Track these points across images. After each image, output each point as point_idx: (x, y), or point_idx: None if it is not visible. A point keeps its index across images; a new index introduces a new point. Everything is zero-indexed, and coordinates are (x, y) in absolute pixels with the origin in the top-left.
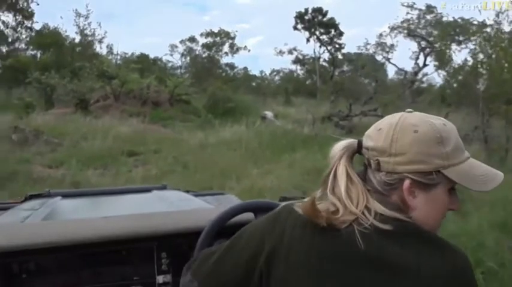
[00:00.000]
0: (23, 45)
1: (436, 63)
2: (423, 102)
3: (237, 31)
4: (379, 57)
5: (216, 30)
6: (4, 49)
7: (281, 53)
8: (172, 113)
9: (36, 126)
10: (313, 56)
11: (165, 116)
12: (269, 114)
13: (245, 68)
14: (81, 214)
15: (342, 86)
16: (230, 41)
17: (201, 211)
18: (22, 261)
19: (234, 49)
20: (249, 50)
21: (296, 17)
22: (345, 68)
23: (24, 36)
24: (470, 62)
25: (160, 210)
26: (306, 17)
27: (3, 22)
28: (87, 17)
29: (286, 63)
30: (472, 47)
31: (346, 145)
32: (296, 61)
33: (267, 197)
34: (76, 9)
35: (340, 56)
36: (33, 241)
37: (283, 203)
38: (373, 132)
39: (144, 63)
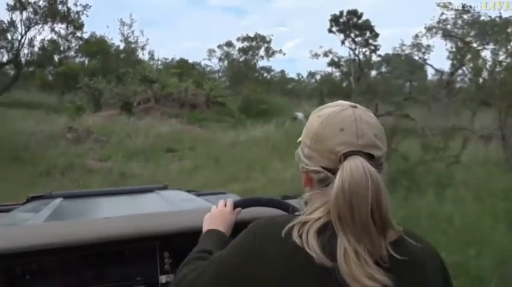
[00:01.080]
0: (72, 53)
1: (471, 64)
2: (457, 102)
3: (272, 35)
4: (417, 58)
5: (252, 35)
6: (56, 57)
7: (316, 55)
8: (208, 114)
9: (87, 127)
10: (348, 58)
11: (202, 117)
12: (300, 115)
13: (282, 71)
14: (83, 214)
15: (375, 87)
16: (266, 45)
17: (203, 211)
18: (25, 262)
19: (270, 53)
20: (284, 54)
21: (331, 20)
22: (383, 69)
23: (73, 44)
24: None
25: (162, 210)
26: (341, 20)
27: (55, 32)
28: (130, 26)
29: (323, 65)
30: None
31: (373, 170)
32: (331, 63)
33: (288, 187)
34: (121, 19)
35: (375, 58)
36: (36, 242)
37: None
38: (373, 140)
39: (183, 68)
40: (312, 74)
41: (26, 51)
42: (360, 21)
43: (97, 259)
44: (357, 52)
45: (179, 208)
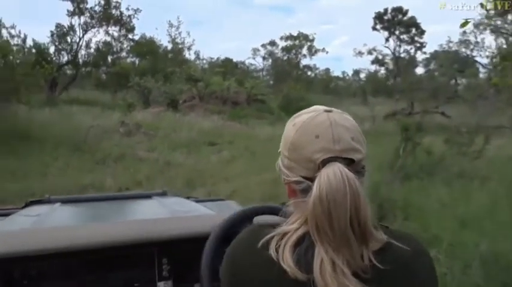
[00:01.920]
0: (124, 54)
1: None
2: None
3: (315, 34)
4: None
5: (295, 34)
6: (110, 58)
7: (360, 53)
8: (248, 111)
9: (137, 122)
10: (393, 55)
11: (242, 114)
12: None
13: (327, 69)
14: (81, 220)
15: (419, 85)
16: (309, 44)
17: (202, 217)
18: (23, 267)
19: (313, 51)
20: (327, 52)
21: (375, 18)
22: (432, 66)
23: (125, 46)
24: None
25: (161, 216)
26: (386, 17)
27: (109, 35)
28: (178, 27)
29: (367, 63)
30: None
31: (352, 176)
32: (375, 61)
33: None
34: (169, 21)
35: (421, 55)
36: (34, 247)
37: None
38: (351, 144)
39: (227, 67)
40: (356, 72)
41: (83, 52)
42: (405, 18)
43: (95, 264)
44: (401, 50)
45: (178, 214)
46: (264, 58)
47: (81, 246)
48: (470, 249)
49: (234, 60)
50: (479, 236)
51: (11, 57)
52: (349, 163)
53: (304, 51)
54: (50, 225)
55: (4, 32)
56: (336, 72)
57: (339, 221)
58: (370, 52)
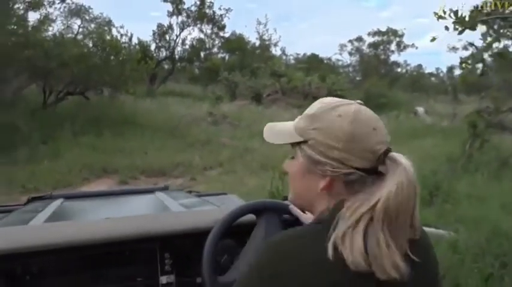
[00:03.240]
0: (216, 50)
1: None
2: None
3: (405, 29)
4: None
5: (384, 29)
6: (203, 54)
7: (454, 49)
8: None
9: (223, 113)
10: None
11: None
12: (420, 110)
13: (419, 66)
14: (83, 215)
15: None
16: (398, 39)
17: (204, 212)
18: (25, 263)
19: (401, 47)
20: (417, 48)
21: (472, 11)
22: None
23: (217, 42)
24: None
25: (163, 211)
26: (484, 11)
27: (203, 32)
28: (265, 25)
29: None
30: None
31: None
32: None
33: None
34: (257, 19)
35: None
36: (36, 243)
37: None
38: (386, 135)
39: (312, 63)
40: (450, 69)
41: (179, 49)
42: (507, 11)
43: (97, 259)
44: (501, 45)
45: (180, 209)
46: (350, 54)
47: (83, 242)
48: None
49: (321, 56)
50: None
51: (121, 54)
52: None
53: (393, 47)
54: (52, 221)
55: (114, 31)
56: (430, 68)
57: (407, 210)
58: (465, 47)
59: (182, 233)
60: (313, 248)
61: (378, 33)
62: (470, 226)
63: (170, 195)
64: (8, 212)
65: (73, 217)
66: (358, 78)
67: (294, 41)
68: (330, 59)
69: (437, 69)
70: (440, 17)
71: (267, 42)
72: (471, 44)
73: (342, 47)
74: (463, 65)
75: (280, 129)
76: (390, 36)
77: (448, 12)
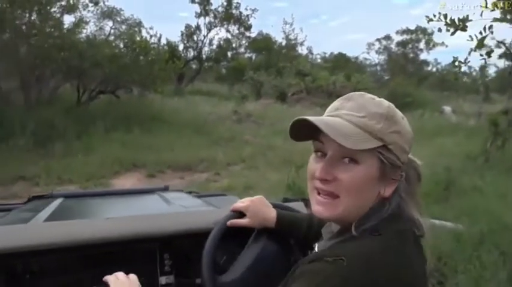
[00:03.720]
0: (242, 50)
1: None
2: None
3: (435, 27)
4: None
5: (412, 28)
6: (229, 54)
7: (487, 47)
8: None
9: (248, 111)
10: None
11: None
12: (447, 109)
13: (450, 64)
14: (83, 215)
15: None
16: (427, 37)
17: (203, 213)
18: (25, 262)
19: (430, 45)
20: (447, 46)
21: (502, 7)
22: None
23: (244, 42)
24: None
25: (163, 211)
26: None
27: (229, 33)
28: (291, 25)
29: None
30: None
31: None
32: (503, 55)
33: None
34: (284, 19)
35: None
36: (36, 241)
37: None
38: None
39: (338, 62)
40: (482, 68)
41: (206, 49)
42: None
43: (97, 259)
44: None
45: (179, 209)
46: (378, 53)
47: (83, 241)
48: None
49: (349, 55)
50: None
51: (150, 54)
52: None
53: (422, 45)
54: (52, 220)
55: (144, 32)
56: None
57: None
58: (498, 45)
59: (182, 233)
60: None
61: (406, 31)
62: (478, 219)
63: (170, 195)
64: (8, 211)
65: (73, 216)
66: (386, 77)
67: (322, 40)
68: (357, 58)
69: (469, 67)
70: (430, 20)
71: (292, 42)
72: (501, 43)
73: (370, 45)
74: (456, 63)
75: (344, 130)
76: (419, 34)
77: (437, 16)
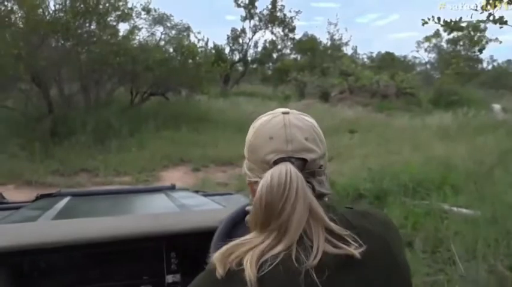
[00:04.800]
0: (288, 51)
1: None
2: None
3: (503, 27)
4: None
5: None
6: (275, 55)
7: None
8: (396, 104)
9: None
10: None
11: (390, 106)
12: (496, 107)
13: (508, 61)
14: (90, 213)
15: None
16: (478, 34)
17: (210, 211)
18: (33, 259)
19: (483, 42)
20: (501, 42)
21: None
22: None
23: (289, 43)
24: None
25: (169, 210)
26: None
27: (274, 35)
28: (336, 25)
29: None
30: None
31: (295, 176)
32: None
33: (437, 164)
34: (328, 19)
35: None
36: (44, 240)
37: None
38: (304, 144)
39: (385, 61)
40: None
41: (251, 51)
42: None
43: (104, 257)
44: None
45: (186, 208)
46: (427, 51)
47: (90, 239)
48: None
49: (397, 54)
50: None
51: (198, 58)
52: (303, 162)
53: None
54: (60, 218)
55: (192, 37)
56: None
57: (271, 217)
58: None
59: (188, 232)
60: None
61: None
62: (499, 208)
63: (177, 194)
64: (17, 209)
65: (80, 214)
66: (437, 76)
67: (370, 39)
68: (405, 57)
69: None
70: (425, 23)
71: (337, 42)
72: None
73: (419, 44)
74: (453, 60)
75: None
76: (470, 31)
77: (431, 19)
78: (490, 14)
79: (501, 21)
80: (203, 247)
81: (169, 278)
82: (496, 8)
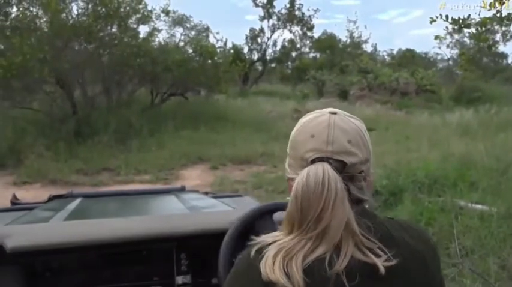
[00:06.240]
0: (307, 50)
1: None
2: None
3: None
4: None
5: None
6: (293, 54)
7: None
8: (416, 101)
9: (308, 109)
10: None
11: (410, 104)
12: None
13: None
14: (102, 214)
15: None
16: (503, 29)
17: (219, 213)
18: (45, 260)
19: (508, 37)
20: None
21: None
22: None
23: (307, 42)
24: None
25: (180, 212)
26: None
27: (293, 33)
28: (355, 22)
29: None
30: None
31: (333, 177)
32: None
33: (455, 161)
34: (347, 17)
35: None
36: (56, 240)
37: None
38: (346, 146)
39: (405, 58)
40: None
41: (270, 51)
42: None
43: (115, 258)
44: None
45: (196, 209)
46: (450, 47)
47: (102, 240)
48: None
49: (418, 50)
50: None
51: (216, 58)
52: (342, 165)
53: (498, 37)
54: (71, 219)
55: (211, 37)
56: None
57: (310, 218)
58: None
59: (198, 234)
60: None
61: (478, 23)
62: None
63: (187, 196)
64: (29, 210)
65: (92, 215)
66: (459, 72)
67: (391, 36)
68: (426, 53)
69: None
70: (433, 21)
71: (356, 40)
72: None
73: (441, 40)
74: (462, 56)
75: None
76: (495, 26)
77: (439, 18)
78: (497, 11)
79: (508, 18)
80: (213, 249)
81: (180, 280)
82: (504, 5)
